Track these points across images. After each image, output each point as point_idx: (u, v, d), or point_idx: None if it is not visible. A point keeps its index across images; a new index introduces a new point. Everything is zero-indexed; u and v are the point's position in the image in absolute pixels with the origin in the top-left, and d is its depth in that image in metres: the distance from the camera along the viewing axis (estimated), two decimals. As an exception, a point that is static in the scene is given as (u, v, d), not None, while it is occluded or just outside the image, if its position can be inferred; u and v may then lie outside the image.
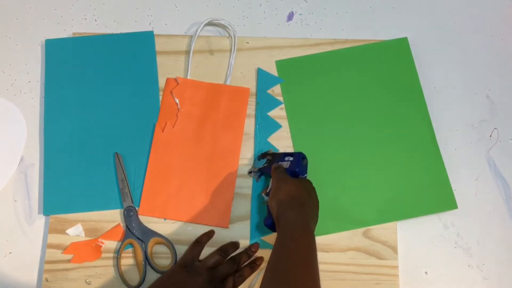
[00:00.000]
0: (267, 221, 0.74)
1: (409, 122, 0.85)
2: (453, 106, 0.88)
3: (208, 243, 0.79)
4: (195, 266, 0.75)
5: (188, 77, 0.87)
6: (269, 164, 0.79)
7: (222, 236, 0.81)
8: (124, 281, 0.78)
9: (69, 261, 0.79)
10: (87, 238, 0.80)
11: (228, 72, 0.87)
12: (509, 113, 0.88)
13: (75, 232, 0.80)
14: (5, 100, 0.87)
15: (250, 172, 0.83)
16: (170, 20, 0.92)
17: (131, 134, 0.84)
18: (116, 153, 0.83)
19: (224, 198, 0.82)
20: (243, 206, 0.82)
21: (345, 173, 0.83)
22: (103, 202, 0.82)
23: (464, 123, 0.87)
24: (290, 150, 0.84)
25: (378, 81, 0.87)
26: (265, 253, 0.79)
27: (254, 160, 0.83)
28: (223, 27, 0.90)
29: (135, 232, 0.79)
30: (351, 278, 0.79)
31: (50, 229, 0.80)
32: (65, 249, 0.79)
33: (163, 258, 0.80)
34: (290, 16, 0.92)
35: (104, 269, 0.79)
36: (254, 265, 0.77)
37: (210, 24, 0.89)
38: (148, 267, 0.79)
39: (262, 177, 0.82)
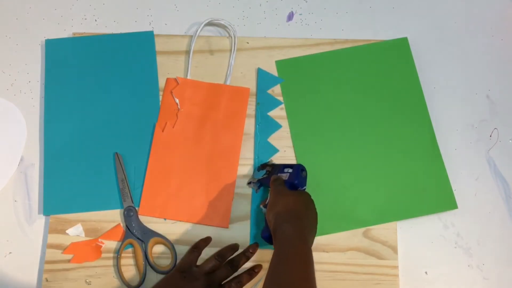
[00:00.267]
0: (264, 233, 0.73)
1: (409, 122, 0.85)
2: (453, 106, 0.88)
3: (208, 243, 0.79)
4: (192, 271, 0.75)
5: (188, 77, 0.87)
6: (268, 176, 0.79)
7: (222, 236, 0.81)
8: (124, 281, 0.78)
9: (69, 261, 0.79)
10: (87, 238, 0.80)
11: (228, 72, 0.87)
12: (509, 113, 0.88)
13: (75, 232, 0.80)
14: (5, 100, 0.87)
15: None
16: (170, 20, 0.92)
17: (131, 134, 0.84)
18: (116, 153, 0.83)
19: (224, 198, 0.82)
20: (243, 206, 0.82)
21: (345, 173, 0.83)
22: (103, 202, 0.82)
23: (464, 123, 0.87)
24: (290, 150, 0.84)
25: (378, 81, 0.87)
26: (265, 253, 0.79)
27: (254, 171, 0.83)
28: (223, 27, 0.90)
29: (135, 232, 0.79)
30: (351, 278, 0.79)
31: (50, 229, 0.80)
32: (65, 249, 0.79)
33: (163, 258, 0.80)
34: (290, 16, 0.93)
35: (104, 269, 0.79)
36: (253, 272, 0.77)
37: (210, 24, 0.89)
38: (148, 267, 0.79)
39: (262, 188, 0.82)
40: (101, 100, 0.86)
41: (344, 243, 0.81)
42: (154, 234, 0.80)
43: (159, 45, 0.88)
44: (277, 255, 0.64)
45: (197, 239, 0.80)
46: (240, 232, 0.81)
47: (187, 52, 0.88)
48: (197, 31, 0.88)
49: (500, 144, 0.86)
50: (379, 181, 0.83)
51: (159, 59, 0.88)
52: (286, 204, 0.70)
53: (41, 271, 0.80)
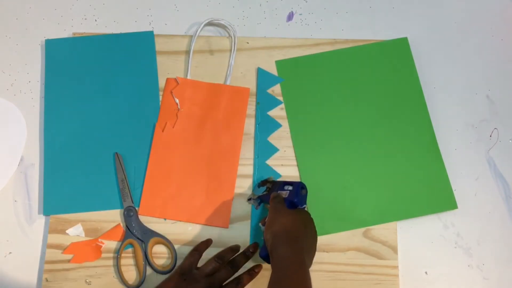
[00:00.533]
0: (262, 252, 0.72)
1: (409, 122, 0.85)
2: (453, 106, 0.88)
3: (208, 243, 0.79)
4: (193, 274, 0.75)
5: (188, 77, 0.87)
6: (268, 192, 0.78)
7: (222, 236, 0.81)
8: (124, 281, 0.78)
9: (69, 261, 0.79)
10: (87, 238, 0.80)
11: (228, 72, 0.87)
12: (509, 113, 0.88)
13: (75, 232, 0.80)
14: (5, 100, 0.87)
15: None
16: (170, 20, 0.92)
17: (131, 134, 0.84)
18: (116, 153, 0.83)
19: (224, 198, 0.82)
20: (243, 206, 0.82)
21: (345, 173, 0.83)
22: (103, 202, 0.82)
23: (464, 123, 0.87)
24: (290, 149, 0.84)
25: (378, 81, 0.87)
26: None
27: (254, 187, 0.82)
28: (223, 27, 0.90)
29: (135, 232, 0.79)
30: (351, 278, 0.79)
31: (50, 229, 0.80)
32: (65, 249, 0.79)
33: (163, 258, 0.80)
34: (290, 16, 0.93)
35: (104, 269, 0.79)
36: (253, 272, 0.77)
37: (210, 24, 0.89)
38: (148, 267, 0.79)
39: (262, 204, 0.81)
40: (101, 100, 0.86)
41: (344, 243, 0.81)
42: (154, 234, 0.80)
43: (159, 45, 0.89)
44: (274, 279, 0.63)
45: (197, 239, 0.80)
46: (240, 232, 0.81)
47: (187, 52, 0.88)
48: (197, 31, 0.88)
49: (500, 144, 0.86)
50: (379, 181, 0.83)
51: (159, 59, 0.88)
52: (284, 224, 0.68)
53: (41, 271, 0.80)
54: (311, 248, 0.70)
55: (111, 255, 0.80)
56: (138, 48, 0.88)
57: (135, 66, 0.87)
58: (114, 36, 0.89)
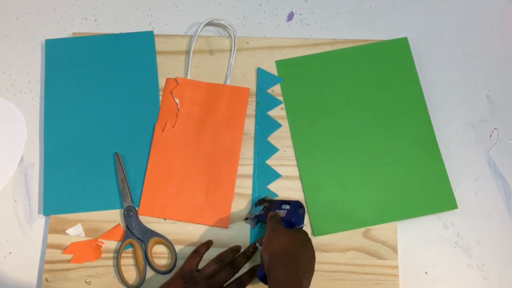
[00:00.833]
0: (259, 273, 0.71)
1: (409, 122, 0.85)
2: (453, 106, 0.88)
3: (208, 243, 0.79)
4: (193, 276, 0.75)
5: (188, 77, 0.87)
6: (265, 212, 0.78)
7: (222, 236, 0.81)
8: (124, 281, 0.78)
9: (69, 261, 0.79)
10: (87, 238, 0.80)
11: (228, 72, 0.87)
12: (509, 113, 0.88)
13: (75, 232, 0.80)
14: (5, 100, 0.87)
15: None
16: (170, 20, 0.92)
17: (131, 134, 0.84)
18: (116, 153, 0.83)
19: (224, 198, 0.82)
20: (243, 206, 0.82)
21: (345, 173, 0.83)
22: (103, 202, 0.82)
23: (464, 123, 0.87)
24: (290, 149, 0.84)
25: (378, 81, 0.87)
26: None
27: (251, 207, 0.82)
28: (223, 27, 0.90)
29: (135, 232, 0.79)
30: (351, 278, 0.79)
31: (50, 229, 0.80)
32: (65, 249, 0.79)
33: (163, 258, 0.80)
34: (290, 16, 0.93)
35: (104, 269, 0.79)
36: (253, 272, 0.77)
37: (210, 24, 0.89)
38: (148, 267, 0.79)
39: (259, 224, 0.80)
40: (101, 100, 0.86)
41: (344, 243, 0.81)
42: (154, 234, 0.80)
43: (159, 45, 0.89)
44: None
45: (197, 239, 0.80)
46: (240, 232, 0.81)
47: (187, 52, 0.88)
48: (197, 31, 0.88)
49: (500, 144, 0.86)
50: (379, 181, 0.83)
51: (159, 59, 0.88)
52: (282, 244, 0.67)
53: (41, 271, 0.80)
54: (309, 268, 0.69)
55: (111, 255, 0.80)
56: (138, 48, 0.88)
57: (135, 66, 0.87)
58: (114, 36, 0.89)
